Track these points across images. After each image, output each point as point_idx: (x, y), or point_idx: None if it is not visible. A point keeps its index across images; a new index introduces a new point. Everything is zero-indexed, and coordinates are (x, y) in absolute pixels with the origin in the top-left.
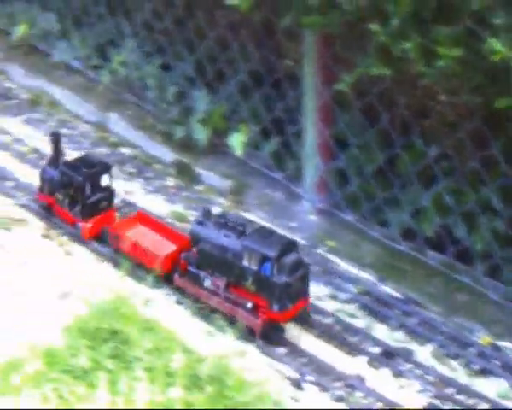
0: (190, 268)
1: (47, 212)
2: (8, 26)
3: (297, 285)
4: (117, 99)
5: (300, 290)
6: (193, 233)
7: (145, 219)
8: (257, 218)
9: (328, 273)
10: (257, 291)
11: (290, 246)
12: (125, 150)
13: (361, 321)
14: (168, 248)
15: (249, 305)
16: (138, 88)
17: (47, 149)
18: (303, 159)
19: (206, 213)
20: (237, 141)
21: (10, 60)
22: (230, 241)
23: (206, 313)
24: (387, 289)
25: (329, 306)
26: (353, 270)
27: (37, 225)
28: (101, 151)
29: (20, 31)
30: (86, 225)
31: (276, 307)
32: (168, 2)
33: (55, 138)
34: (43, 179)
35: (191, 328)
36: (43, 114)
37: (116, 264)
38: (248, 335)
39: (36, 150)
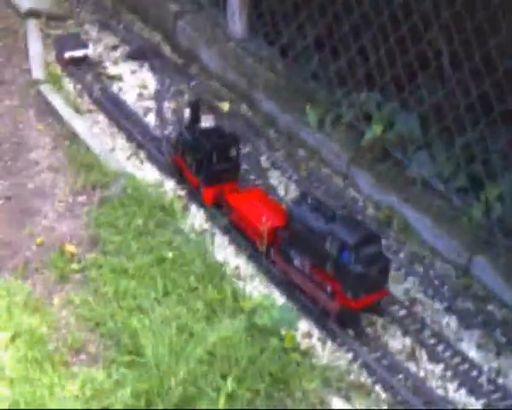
0: (283, 245)
1: (179, 174)
2: (357, 120)
3: (374, 277)
4: (487, 240)
5: (378, 282)
6: (288, 213)
7: (260, 195)
8: None
9: None
10: (335, 276)
11: (373, 238)
12: (492, 308)
13: None
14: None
15: (329, 288)
16: None
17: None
18: None
19: (303, 196)
20: None
21: (359, 164)
22: (319, 224)
23: None
24: None
25: None
26: None
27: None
28: (464, 305)
29: (374, 132)
30: (208, 191)
31: (349, 295)
32: None
33: (195, 106)
34: (177, 141)
35: None
36: (392, 240)
37: None
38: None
39: None
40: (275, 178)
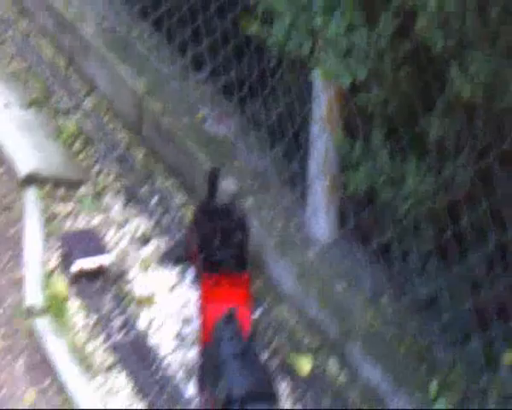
0: (201, 364)
1: None
2: None
3: None
4: None
5: None
6: (213, 330)
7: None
8: None
9: None
10: None
11: (267, 395)
12: None
13: None
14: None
15: None
16: None
17: None
18: None
19: (232, 317)
20: None
21: None
22: (226, 356)
23: None
24: None
25: None
26: None
27: None
28: None
29: None
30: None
31: None
32: None
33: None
34: None
35: None
36: None
37: None
38: None
39: None
40: None
